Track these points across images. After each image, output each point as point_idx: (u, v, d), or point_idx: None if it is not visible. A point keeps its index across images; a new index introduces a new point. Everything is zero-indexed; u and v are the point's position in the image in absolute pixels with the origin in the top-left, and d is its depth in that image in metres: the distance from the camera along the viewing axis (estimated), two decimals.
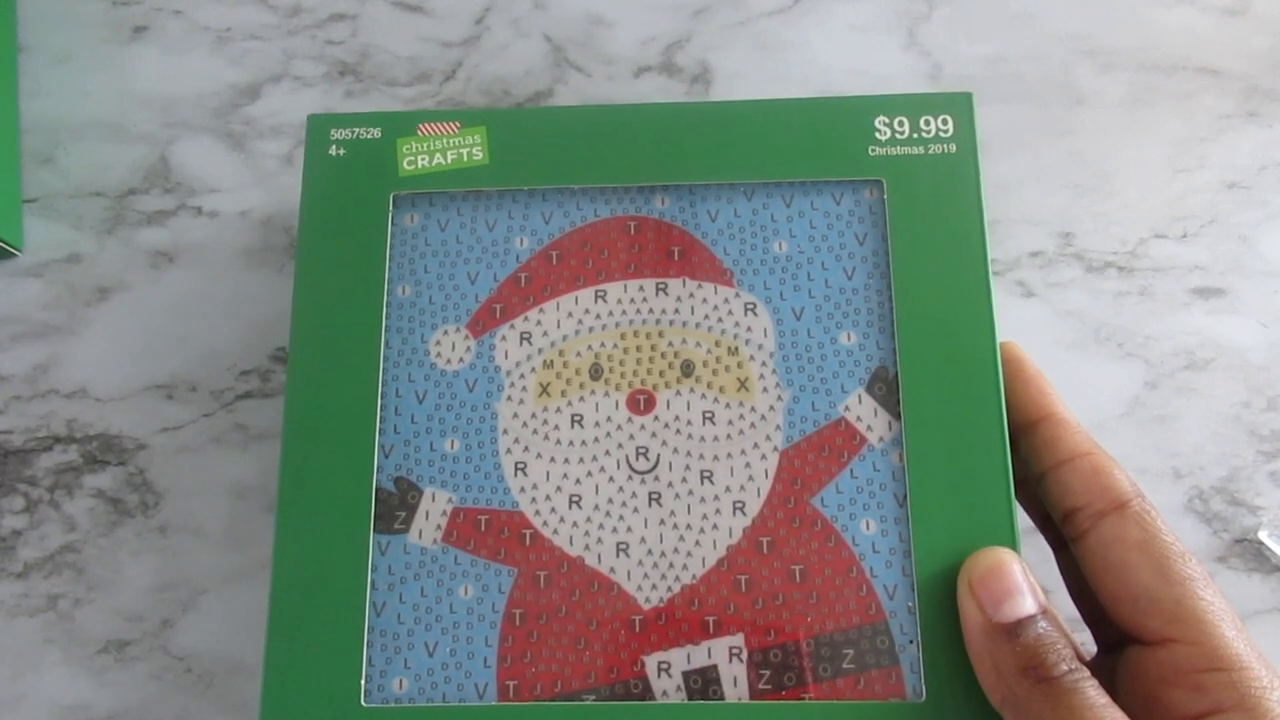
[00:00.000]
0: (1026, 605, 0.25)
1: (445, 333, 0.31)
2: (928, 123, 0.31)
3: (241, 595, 0.36)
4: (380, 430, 0.30)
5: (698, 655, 0.28)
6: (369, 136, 0.32)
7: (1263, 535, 0.36)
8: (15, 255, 0.39)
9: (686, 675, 0.28)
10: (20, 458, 0.38)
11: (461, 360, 0.30)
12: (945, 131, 0.31)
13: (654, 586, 0.28)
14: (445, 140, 0.32)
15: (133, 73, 0.41)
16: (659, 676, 0.28)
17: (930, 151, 0.31)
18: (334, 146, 0.32)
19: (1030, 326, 0.38)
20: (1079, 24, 0.41)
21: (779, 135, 0.31)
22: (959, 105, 0.31)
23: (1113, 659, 0.26)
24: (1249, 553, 0.36)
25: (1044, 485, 0.27)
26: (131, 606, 0.36)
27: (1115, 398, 0.38)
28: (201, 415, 0.38)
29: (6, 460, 0.38)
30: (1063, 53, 0.41)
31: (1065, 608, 0.30)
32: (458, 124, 0.32)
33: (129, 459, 0.37)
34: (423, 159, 0.32)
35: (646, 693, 0.28)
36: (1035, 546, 0.31)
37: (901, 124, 0.31)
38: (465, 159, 0.32)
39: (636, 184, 0.31)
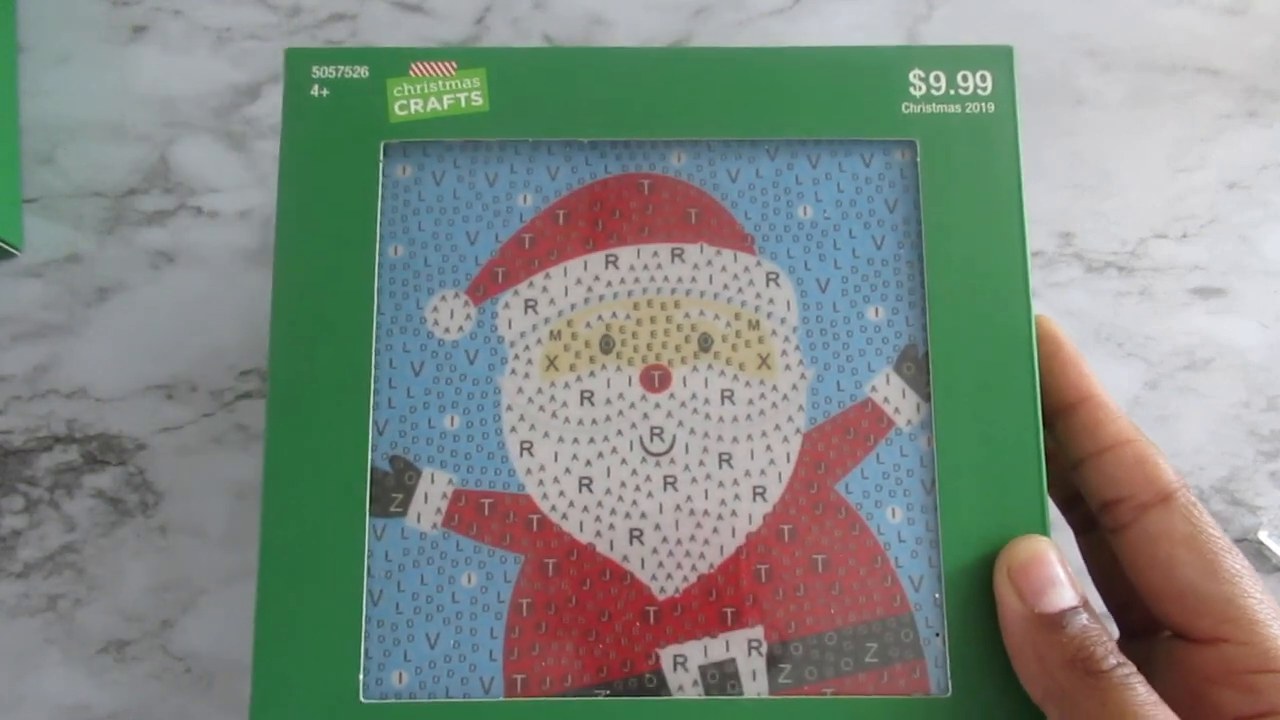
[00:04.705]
0: (1068, 596, 0.24)
1: (443, 298, 0.28)
2: (965, 78, 0.28)
3: (241, 595, 0.36)
4: (374, 405, 0.27)
5: (715, 648, 0.26)
6: (355, 76, 0.29)
7: (1263, 535, 0.36)
8: (15, 255, 0.39)
9: (704, 669, 0.26)
10: (20, 458, 0.38)
11: (461, 329, 0.28)
12: (984, 89, 0.28)
13: (669, 576, 0.27)
14: (441, 83, 0.29)
15: (133, 73, 0.41)
16: (675, 670, 0.26)
17: (967, 110, 0.28)
18: (316, 86, 0.28)
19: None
20: (1079, 24, 0.41)
21: (806, 87, 0.28)
22: (999, 60, 0.29)
23: (1138, 646, 0.25)
24: (1249, 553, 0.36)
25: (1082, 472, 0.26)
26: (131, 606, 0.36)
27: (1115, 398, 0.37)
28: (201, 415, 0.38)
29: (6, 460, 0.37)
30: (1063, 53, 0.41)
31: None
32: (454, 64, 0.29)
33: (129, 459, 0.37)
34: (416, 103, 0.29)
35: (662, 688, 0.26)
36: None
37: (938, 79, 0.28)
38: (463, 104, 0.29)
39: (651, 139, 0.29)
